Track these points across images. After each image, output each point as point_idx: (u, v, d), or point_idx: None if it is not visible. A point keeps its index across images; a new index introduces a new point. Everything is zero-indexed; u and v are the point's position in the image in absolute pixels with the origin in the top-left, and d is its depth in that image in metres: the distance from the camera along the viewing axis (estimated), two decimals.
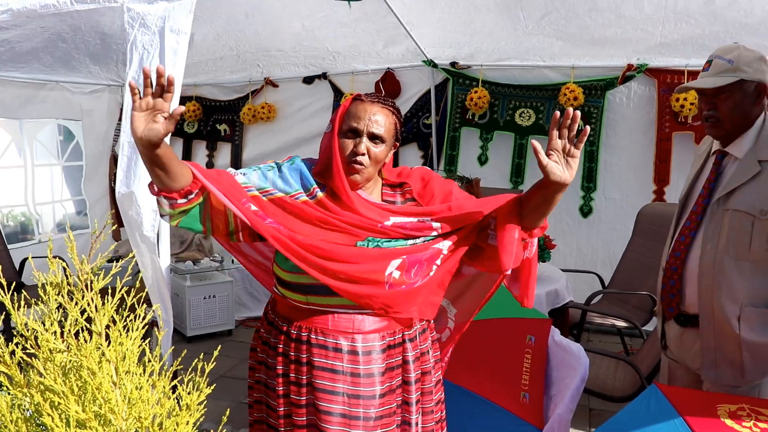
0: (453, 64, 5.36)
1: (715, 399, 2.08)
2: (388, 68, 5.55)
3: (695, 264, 2.25)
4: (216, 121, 6.45)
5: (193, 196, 1.69)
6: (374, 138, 1.79)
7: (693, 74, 4.65)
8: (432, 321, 2.06)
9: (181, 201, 1.67)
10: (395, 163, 5.96)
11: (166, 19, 2.44)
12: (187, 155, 6.58)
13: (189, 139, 6.61)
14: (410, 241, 1.79)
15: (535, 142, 1.62)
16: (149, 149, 1.54)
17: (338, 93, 5.83)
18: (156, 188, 1.67)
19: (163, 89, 1.51)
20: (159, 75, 1.50)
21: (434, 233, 1.81)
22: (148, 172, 1.64)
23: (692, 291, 2.26)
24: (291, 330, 1.84)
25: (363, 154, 1.77)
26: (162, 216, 1.74)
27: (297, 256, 1.72)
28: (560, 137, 1.66)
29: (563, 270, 4.45)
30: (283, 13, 4.65)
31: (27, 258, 5.13)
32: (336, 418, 1.79)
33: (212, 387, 1.08)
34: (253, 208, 1.72)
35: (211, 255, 5.64)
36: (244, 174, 1.81)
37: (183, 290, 5.15)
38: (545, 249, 4.01)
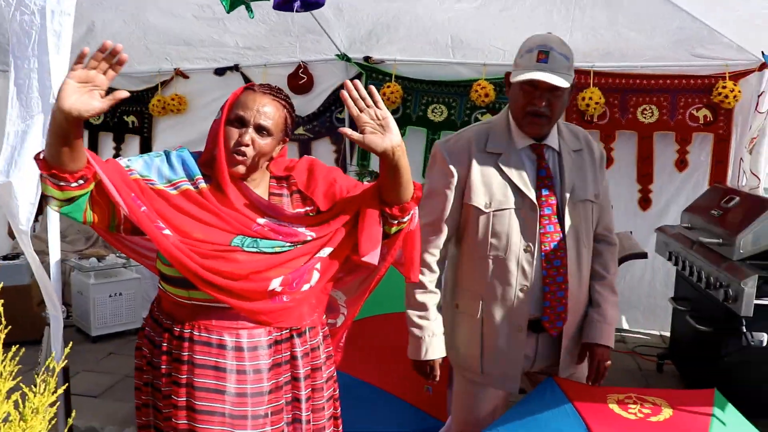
0: (366, 58, 5.34)
1: (606, 390, 2.17)
2: (301, 61, 5.48)
3: (568, 264, 2.14)
4: (123, 113, 6.20)
5: (84, 182, 1.58)
6: (261, 129, 1.76)
7: (599, 74, 4.84)
8: (324, 315, 2.04)
9: (73, 185, 1.56)
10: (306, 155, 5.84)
11: None
12: (93, 147, 6.26)
13: (95, 131, 6.33)
14: (288, 245, 1.77)
15: (345, 129, 1.64)
16: (72, 123, 1.45)
17: None
18: (49, 164, 1.54)
19: (109, 67, 1.45)
20: (114, 52, 1.43)
21: (309, 238, 1.80)
22: (50, 146, 1.52)
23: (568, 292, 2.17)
24: (174, 327, 1.79)
25: (247, 145, 1.74)
26: (47, 197, 1.61)
27: (184, 270, 1.68)
28: (361, 111, 1.63)
29: None
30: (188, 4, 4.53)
31: None
32: (218, 417, 1.73)
33: (64, 387, 1.02)
34: (143, 208, 1.65)
35: (117, 251, 5.44)
36: (128, 160, 1.75)
37: (87, 288, 4.97)
38: None
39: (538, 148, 2.14)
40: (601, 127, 4.96)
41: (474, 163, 2.13)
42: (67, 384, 2.54)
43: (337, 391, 2.06)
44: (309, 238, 1.79)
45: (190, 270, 1.66)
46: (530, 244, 2.10)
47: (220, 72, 5.75)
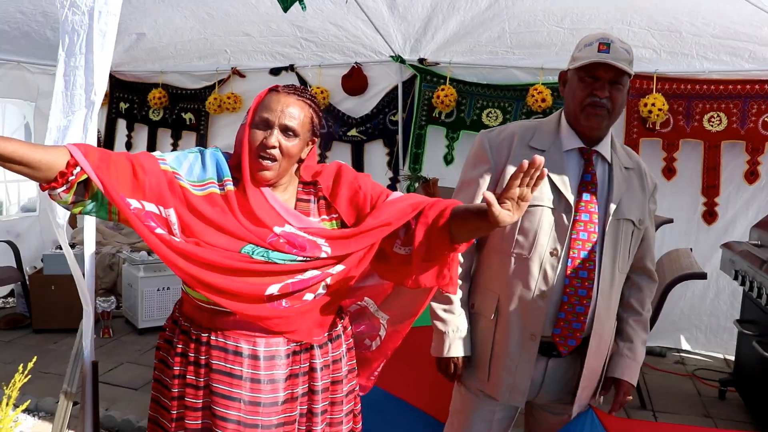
0: (421, 60, 5.25)
1: (651, 428, 2.02)
2: (356, 62, 5.44)
3: (600, 282, 1.98)
4: (181, 110, 6.30)
5: (73, 177, 1.53)
6: (286, 130, 1.70)
7: (662, 80, 4.62)
8: (349, 327, 1.97)
9: (61, 189, 1.52)
10: (361, 158, 5.80)
11: None
12: (152, 143, 6.46)
13: (154, 127, 6.47)
14: (299, 259, 1.69)
15: (488, 195, 1.48)
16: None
17: (305, 86, 5.71)
18: (40, 184, 1.53)
19: None
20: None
21: (323, 254, 1.71)
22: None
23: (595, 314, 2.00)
24: (192, 330, 1.76)
25: (274, 147, 1.68)
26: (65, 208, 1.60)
27: (175, 267, 1.61)
28: (520, 185, 1.51)
29: None
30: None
31: None
32: (232, 424, 1.69)
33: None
34: (135, 205, 1.58)
35: None
36: (162, 153, 1.71)
37: (136, 281, 5.05)
38: None
39: (587, 153, 2.00)
40: (664, 136, 4.71)
41: (514, 156, 2.00)
42: (95, 378, 2.54)
43: (359, 406, 1.98)
44: (324, 254, 1.71)
45: (181, 269, 1.61)
46: (558, 248, 1.96)
47: (275, 72, 5.78)
